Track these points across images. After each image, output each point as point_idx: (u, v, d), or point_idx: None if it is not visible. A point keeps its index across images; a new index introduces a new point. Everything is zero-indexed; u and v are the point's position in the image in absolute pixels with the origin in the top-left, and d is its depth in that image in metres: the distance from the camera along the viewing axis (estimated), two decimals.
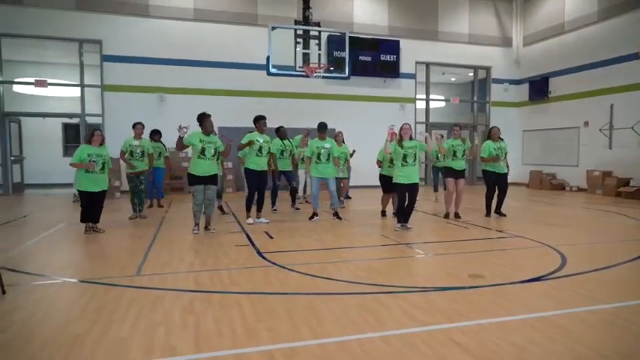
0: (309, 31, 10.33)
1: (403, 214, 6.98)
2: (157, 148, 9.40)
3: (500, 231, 6.94)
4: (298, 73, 10.23)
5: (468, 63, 16.11)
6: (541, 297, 3.81)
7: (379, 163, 8.24)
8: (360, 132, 12.72)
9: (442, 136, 8.65)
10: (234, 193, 12.54)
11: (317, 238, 6.38)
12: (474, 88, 16.71)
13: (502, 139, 8.32)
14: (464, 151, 8.03)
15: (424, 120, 15.81)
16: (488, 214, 8.37)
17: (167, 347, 2.77)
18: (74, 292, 4.01)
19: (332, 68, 11.15)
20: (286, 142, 9.04)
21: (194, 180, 6.48)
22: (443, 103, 18.05)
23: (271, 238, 6.34)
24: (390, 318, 3.27)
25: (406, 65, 15.05)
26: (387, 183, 8.09)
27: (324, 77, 10.71)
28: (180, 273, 4.52)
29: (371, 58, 14.49)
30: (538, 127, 15.65)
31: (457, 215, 8.15)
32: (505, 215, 8.32)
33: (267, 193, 8.04)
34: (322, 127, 8.03)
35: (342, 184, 9.75)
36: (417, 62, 15.35)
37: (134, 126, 8.34)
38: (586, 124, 13.82)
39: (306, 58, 10.32)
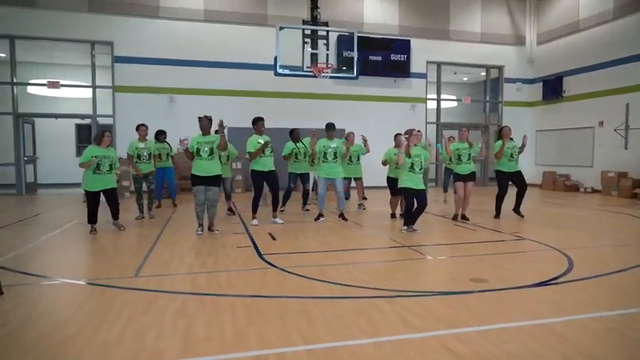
0: (317, 31, 10.29)
1: (411, 218, 6.90)
2: (164, 149, 9.44)
3: (508, 233, 6.79)
4: (306, 73, 10.20)
5: (480, 62, 15.88)
6: (542, 303, 3.70)
7: (385, 163, 8.14)
8: (370, 132, 12.54)
9: (452, 138, 8.55)
10: (242, 194, 12.56)
11: (320, 239, 6.33)
12: (487, 88, 16.47)
13: (512, 139, 8.18)
14: (469, 154, 7.89)
15: (435, 120, 15.65)
16: (497, 215, 8.23)
17: (155, 351, 2.75)
18: (71, 293, 4.02)
19: (344, 68, 11.08)
20: (299, 144, 8.91)
21: (195, 180, 6.49)
22: (454, 103, 17.85)
23: (274, 239, 6.31)
24: (384, 323, 3.21)
25: (417, 65, 14.90)
26: (395, 185, 8.00)
27: (331, 77, 10.66)
28: (178, 274, 4.51)
29: (381, 57, 14.38)
30: (552, 127, 15.35)
31: (464, 217, 8.02)
32: (523, 216, 8.15)
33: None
34: (329, 127, 8.00)
35: (354, 185, 9.69)
36: (427, 62, 15.18)
37: (138, 128, 8.37)
38: (601, 124, 13.51)
39: (314, 58, 10.28)
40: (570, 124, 14.58)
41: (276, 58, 9.88)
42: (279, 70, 9.89)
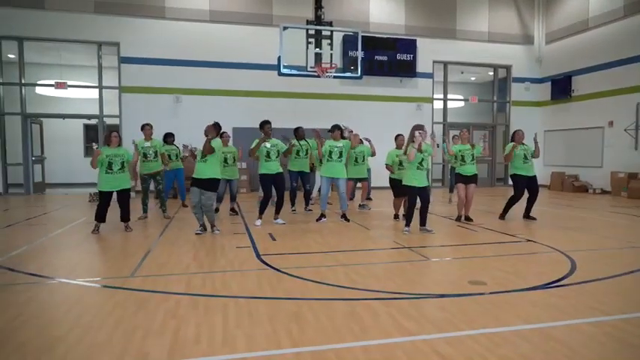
0: (321, 30, 10.25)
1: (421, 218, 6.84)
2: (172, 150, 9.46)
3: (512, 235, 6.69)
4: (310, 73, 10.17)
5: (487, 62, 15.72)
6: (540, 306, 3.62)
7: (390, 167, 8.04)
8: (376, 132, 12.50)
9: (457, 137, 8.45)
10: (247, 194, 12.56)
11: (320, 240, 6.29)
12: (494, 88, 16.30)
13: (523, 144, 8.03)
14: (472, 155, 7.79)
15: (441, 120, 15.52)
16: (502, 216, 8.11)
17: (140, 353, 2.73)
18: (65, 293, 4.03)
19: (352, 68, 11.01)
20: (303, 142, 8.91)
21: (192, 182, 6.53)
22: (462, 103, 17.69)
23: (274, 240, 6.28)
24: (376, 326, 3.15)
25: (423, 65, 14.78)
26: (398, 187, 7.93)
27: (335, 77, 10.62)
28: (174, 275, 4.49)
29: (387, 57, 14.29)
30: (560, 127, 15.14)
31: (468, 218, 7.93)
32: (535, 219, 8.00)
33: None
34: (334, 128, 7.94)
35: (358, 185, 9.64)
36: (434, 61, 15.07)
37: (143, 127, 8.40)
38: (610, 124, 13.29)
39: (318, 58, 10.26)
40: (579, 124, 14.38)
41: (279, 58, 9.87)
42: (283, 70, 9.87)
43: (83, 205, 10.29)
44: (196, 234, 6.57)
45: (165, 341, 2.88)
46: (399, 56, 14.41)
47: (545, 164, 15.38)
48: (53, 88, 13.16)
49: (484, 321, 3.28)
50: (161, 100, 13.04)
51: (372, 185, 11.03)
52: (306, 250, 5.66)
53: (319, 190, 9.80)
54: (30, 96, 13.48)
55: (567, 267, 4.81)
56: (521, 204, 8.17)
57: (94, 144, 6.76)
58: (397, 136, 8.16)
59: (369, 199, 10.64)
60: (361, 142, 9.26)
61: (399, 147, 7.99)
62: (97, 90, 13.17)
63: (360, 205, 9.58)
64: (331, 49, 10.21)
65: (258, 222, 7.44)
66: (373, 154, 9.43)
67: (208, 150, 6.40)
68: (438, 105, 15.54)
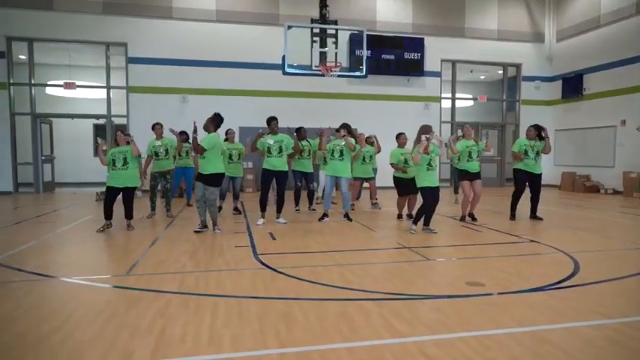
0: (326, 29, 10.20)
1: (426, 218, 6.76)
2: (185, 147, 9.42)
3: (516, 235, 6.57)
4: (314, 72, 10.12)
5: (496, 60, 15.52)
6: (539, 309, 3.52)
7: (395, 165, 7.94)
8: (383, 132, 12.40)
9: (461, 137, 8.33)
10: (252, 194, 12.55)
11: (321, 240, 6.23)
12: (504, 87, 16.09)
13: (537, 140, 7.83)
14: (478, 151, 7.69)
15: (450, 119, 15.36)
16: (512, 216, 7.96)
17: (125, 352, 2.70)
18: (58, 291, 4.03)
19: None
20: (305, 142, 8.89)
21: (196, 176, 6.75)
22: (470, 102, 17.49)
23: (274, 239, 6.25)
24: (366, 327, 3.09)
25: (431, 63, 14.64)
26: (402, 186, 7.85)
27: (339, 76, 10.56)
28: (169, 274, 4.48)
29: (394, 56, 14.19)
30: (571, 127, 14.88)
31: (472, 216, 7.82)
32: (542, 219, 7.84)
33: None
34: (341, 126, 7.89)
35: (367, 185, 9.59)
36: (442, 60, 14.92)
37: (153, 127, 8.49)
38: (623, 122, 13.01)
39: (323, 56, 10.20)
40: (591, 123, 14.11)
41: (284, 57, 9.84)
42: (287, 70, 9.84)
43: (90, 204, 10.37)
44: (195, 232, 6.57)
45: (151, 340, 2.86)
46: (406, 55, 14.29)
47: (555, 164, 15.14)
48: (62, 88, 13.31)
49: (479, 323, 3.20)
50: (168, 99, 13.10)
51: (379, 185, 10.92)
52: (305, 250, 5.61)
53: (324, 190, 9.78)
54: (40, 96, 13.64)
55: (570, 268, 4.69)
56: (528, 204, 8.04)
57: (99, 139, 6.93)
58: (399, 135, 8.06)
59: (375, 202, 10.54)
60: (372, 143, 9.24)
61: (401, 145, 7.90)
62: (104, 90, 13.29)
63: (372, 204, 9.50)
64: (336, 47, 10.15)
65: (260, 221, 7.42)
66: (378, 150, 9.38)
67: (196, 149, 6.43)
68: (446, 104, 15.38)
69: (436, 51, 14.65)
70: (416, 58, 14.37)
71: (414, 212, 7.40)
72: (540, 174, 7.86)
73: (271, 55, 12.91)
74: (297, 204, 9.11)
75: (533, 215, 7.94)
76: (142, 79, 13.00)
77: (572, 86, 14.57)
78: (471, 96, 17.30)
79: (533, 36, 15.62)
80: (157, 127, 8.47)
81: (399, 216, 8.21)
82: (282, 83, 12.98)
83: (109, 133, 13.00)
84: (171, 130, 8.20)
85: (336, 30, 10.19)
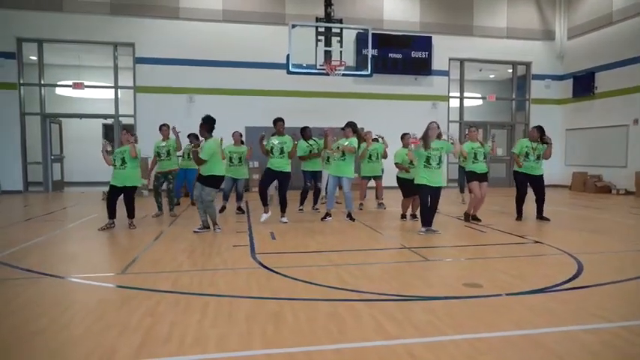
0: (331, 28, 10.14)
1: (426, 218, 6.67)
2: (187, 148, 9.46)
3: (520, 236, 6.44)
4: (319, 71, 10.08)
5: (506, 59, 15.31)
6: (536, 311, 3.42)
7: (400, 165, 7.85)
8: (391, 131, 12.31)
9: (467, 136, 8.22)
10: (257, 194, 12.48)
11: (321, 240, 6.18)
12: (513, 85, 15.87)
13: (539, 142, 7.70)
14: (484, 153, 7.58)
15: (458, 119, 15.20)
16: (519, 217, 7.83)
17: (109, 351, 2.68)
18: (52, 289, 4.01)
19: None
20: (311, 141, 8.89)
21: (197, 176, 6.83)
22: (479, 102, 17.29)
23: (274, 239, 6.21)
24: (356, 329, 3.03)
25: (439, 62, 14.50)
26: (406, 187, 7.75)
27: (344, 75, 10.49)
28: (164, 273, 4.46)
29: (401, 55, 14.08)
30: (582, 126, 14.61)
31: (475, 218, 7.71)
32: (549, 220, 7.68)
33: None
34: (346, 125, 7.82)
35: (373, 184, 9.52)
36: (450, 59, 14.77)
37: (160, 128, 8.56)
38: (635, 122, 12.74)
39: (327, 55, 10.15)
40: (602, 122, 13.84)
41: (288, 57, 9.81)
42: (292, 69, 9.81)
43: (97, 203, 10.45)
44: (194, 232, 6.56)
45: (136, 340, 2.83)
46: (413, 54, 14.17)
47: (566, 164, 14.90)
48: (71, 88, 13.44)
49: (473, 325, 3.12)
50: (175, 99, 13.16)
51: (385, 185, 10.82)
52: (304, 250, 5.56)
53: (326, 189, 9.73)
54: (49, 96, 13.80)
55: (573, 270, 4.58)
56: (534, 206, 7.90)
57: (103, 140, 6.98)
58: (403, 135, 7.97)
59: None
60: (376, 140, 9.17)
61: (405, 145, 7.83)
62: (112, 90, 13.40)
63: (378, 204, 9.42)
64: (341, 46, 10.08)
65: (264, 217, 7.43)
66: (385, 156, 9.20)
67: (198, 163, 6.58)
68: (455, 103, 15.22)
69: (444, 50, 14.50)
70: (423, 56, 14.24)
71: (417, 213, 7.31)
72: (541, 175, 7.74)
73: (278, 54, 12.82)
74: (301, 204, 9.09)
75: (540, 216, 7.81)
76: (149, 79, 13.08)
77: (584, 85, 14.32)
78: (479, 95, 17.10)
79: (543, 34, 15.37)
80: (163, 129, 8.54)
81: (403, 216, 8.13)
82: (289, 83, 12.94)
83: (116, 133, 13.11)
84: (173, 129, 8.17)
85: (341, 29, 10.11)
